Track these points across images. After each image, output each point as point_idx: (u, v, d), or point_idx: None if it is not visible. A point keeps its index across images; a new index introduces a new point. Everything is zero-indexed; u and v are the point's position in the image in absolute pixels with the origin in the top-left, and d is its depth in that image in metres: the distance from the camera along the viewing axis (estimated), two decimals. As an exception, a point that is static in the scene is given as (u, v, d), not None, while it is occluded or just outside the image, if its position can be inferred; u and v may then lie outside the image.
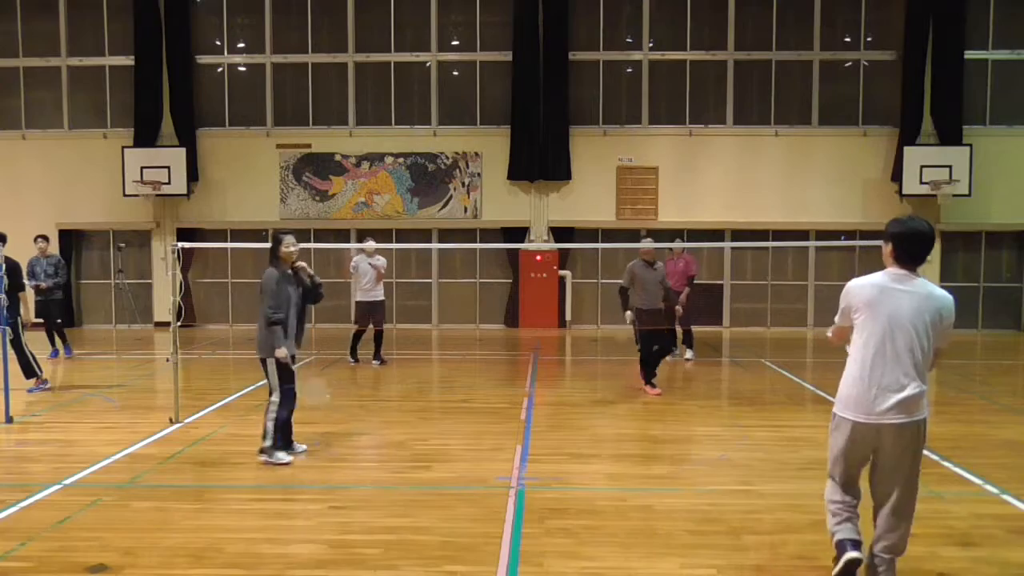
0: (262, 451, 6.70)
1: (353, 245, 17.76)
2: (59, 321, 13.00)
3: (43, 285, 12.40)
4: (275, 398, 6.71)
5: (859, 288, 4.22)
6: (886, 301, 4.11)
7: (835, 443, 4.27)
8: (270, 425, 6.67)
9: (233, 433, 7.84)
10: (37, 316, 12.31)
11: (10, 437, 7.81)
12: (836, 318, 4.36)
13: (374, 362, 12.48)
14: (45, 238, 12.89)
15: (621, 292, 10.17)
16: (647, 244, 10.16)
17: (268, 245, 6.83)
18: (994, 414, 9.16)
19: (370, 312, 12.44)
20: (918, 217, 4.33)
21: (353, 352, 12.66)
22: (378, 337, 12.60)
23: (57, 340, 13.01)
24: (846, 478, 4.30)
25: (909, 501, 4.17)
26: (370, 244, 12.51)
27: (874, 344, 4.12)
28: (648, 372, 10.13)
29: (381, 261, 12.52)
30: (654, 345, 10.10)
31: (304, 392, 6.66)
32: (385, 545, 4.94)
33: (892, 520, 4.16)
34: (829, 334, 4.54)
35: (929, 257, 15.59)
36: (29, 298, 10.65)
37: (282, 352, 6.60)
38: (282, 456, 6.66)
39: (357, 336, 12.67)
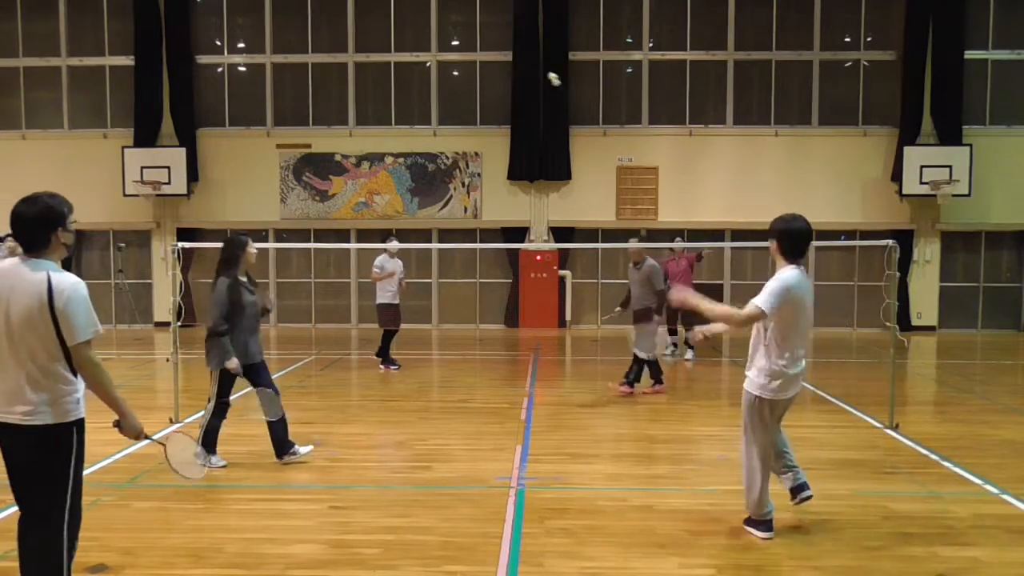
0: (201, 458, 6.64)
1: (352, 245, 17.82)
2: None
3: None
4: (210, 407, 6.61)
5: (799, 284, 4.86)
6: (807, 294, 4.91)
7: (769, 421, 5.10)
8: (201, 433, 6.58)
9: (233, 433, 7.83)
10: None
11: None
12: (771, 305, 4.77)
13: (393, 367, 11.92)
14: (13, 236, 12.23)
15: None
16: (630, 245, 10.20)
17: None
18: (994, 414, 9.16)
19: (398, 315, 11.87)
20: (798, 215, 4.97)
21: (390, 358, 11.97)
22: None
23: None
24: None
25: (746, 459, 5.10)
26: (394, 244, 11.82)
27: (800, 330, 4.92)
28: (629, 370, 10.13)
29: (400, 263, 11.98)
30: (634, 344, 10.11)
31: (264, 404, 6.62)
32: (385, 545, 4.94)
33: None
34: (741, 315, 4.94)
35: (929, 257, 15.54)
36: None
37: (233, 364, 6.44)
38: (217, 460, 6.63)
39: (391, 339, 12.01)
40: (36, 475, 3.59)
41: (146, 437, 3.94)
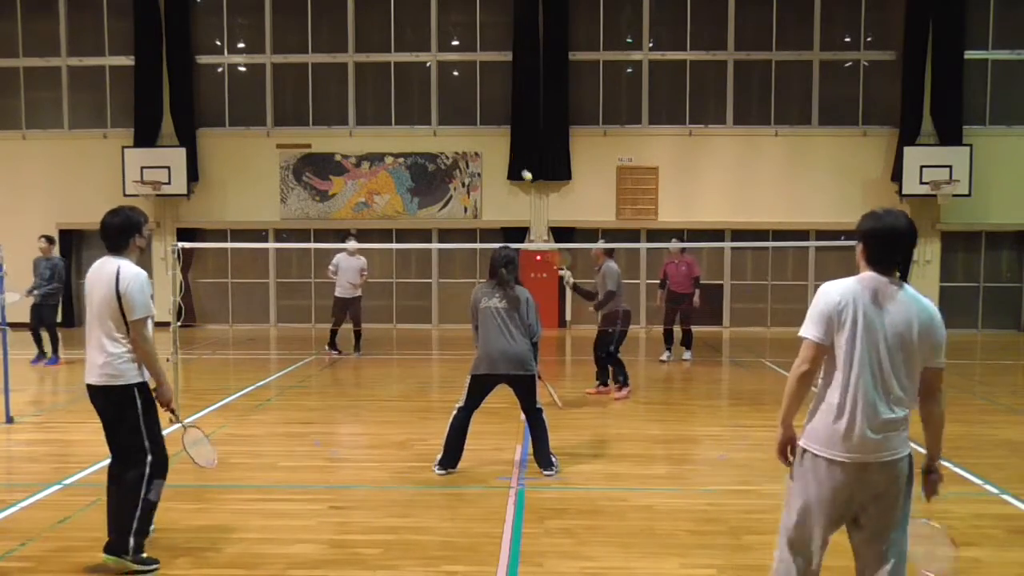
0: (552, 467, 6.47)
1: (352, 245, 17.78)
2: (43, 321, 12.47)
3: (35, 293, 12.14)
4: (541, 405, 6.59)
5: (846, 292, 3.38)
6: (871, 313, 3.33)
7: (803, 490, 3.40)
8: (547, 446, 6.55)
9: (233, 433, 7.85)
10: (30, 318, 12.33)
11: (10, 437, 7.81)
12: (811, 330, 3.45)
13: (355, 353, 13.20)
14: (47, 239, 12.43)
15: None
16: (595, 245, 10.42)
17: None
18: (994, 414, 9.16)
19: (346, 308, 13.18)
20: (895, 210, 3.48)
21: (333, 344, 13.33)
22: (357, 336, 13.45)
23: (46, 344, 12.54)
24: (813, 536, 3.42)
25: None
26: (352, 244, 13.01)
27: (849, 360, 3.35)
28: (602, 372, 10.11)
29: (362, 262, 13.21)
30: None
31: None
32: (385, 545, 4.94)
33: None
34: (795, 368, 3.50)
35: (929, 257, 15.44)
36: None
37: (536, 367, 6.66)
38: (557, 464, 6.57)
39: (335, 330, 13.41)
40: (116, 426, 4.59)
41: (172, 411, 4.79)
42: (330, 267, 13.30)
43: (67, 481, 6.22)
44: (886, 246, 3.36)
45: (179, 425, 4.97)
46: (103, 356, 4.50)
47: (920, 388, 3.46)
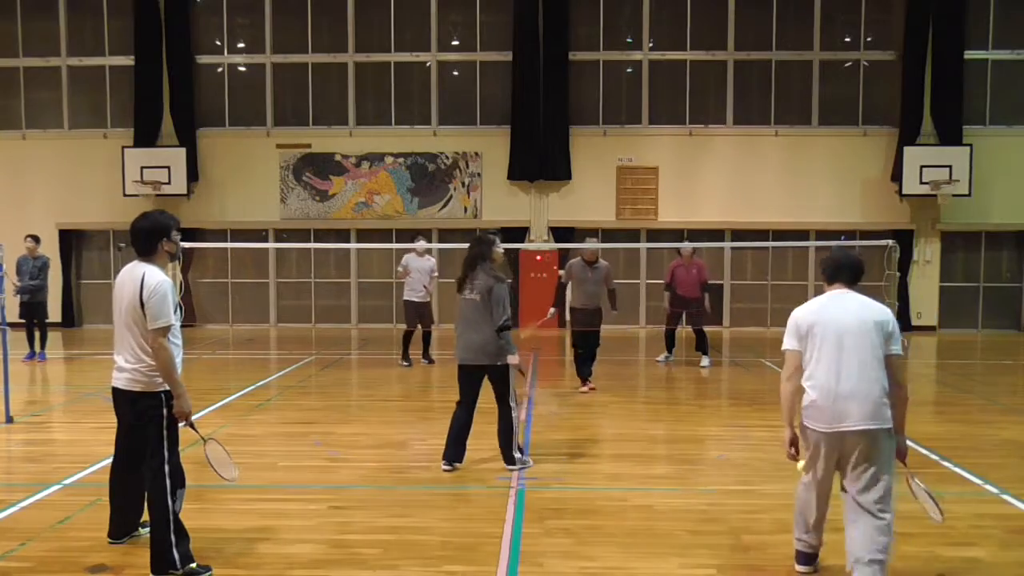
0: (515, 463, 6.51)
1: (352, 245, 17.84)
2: (35, 321, 12.56)
3: (22, 290, 12.21)
4: (513, 403, 6.57)
5: (810, 311, 4.48)
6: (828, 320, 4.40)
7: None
8: (515, 436, 6.51)
9: (233, 433, 7.85)
10: (22, 317, 12.37)
11: (10, 437, 7.81)
12: (786, 343, 4.49)
13: (423, 360, 12.49)
14: (34, 238, 12.54)
15: (558, 287, 10.46)
16: (591, 245, 10.31)
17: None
18: (994, 414, 9.16)
19: (418, 312, 12.37)
20: (844, 248, 4.75)
21: (405, 354, 12.40)
22: (427, 337, 12.65)
23: (36, 342, 12.60)
24: (820, 490, 4.52)
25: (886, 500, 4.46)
26: (421, 244, 12.56)
27: (822, 358, 4.35)
28: (581, 369, 10.19)
29: (432, 262, 12.63)
30: (583, 344, 10.19)
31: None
32: (385, 545, 4.95)
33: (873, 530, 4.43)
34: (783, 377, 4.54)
35: (929, 257, 15.59)
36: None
37: (516, 358, 6.52)
38: (527, 459, 6.58)
39: (408, 337, 12.49)
40: (137, 432, 4.54)
41: (191, 425, 4.63)
42: (399, 268, 12.49)
43: (67, 481, 6.22)
44: (833, 271, 4.54)
45: (192, 429, 4.77)
46: (131, 362, 4.48)
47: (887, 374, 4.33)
